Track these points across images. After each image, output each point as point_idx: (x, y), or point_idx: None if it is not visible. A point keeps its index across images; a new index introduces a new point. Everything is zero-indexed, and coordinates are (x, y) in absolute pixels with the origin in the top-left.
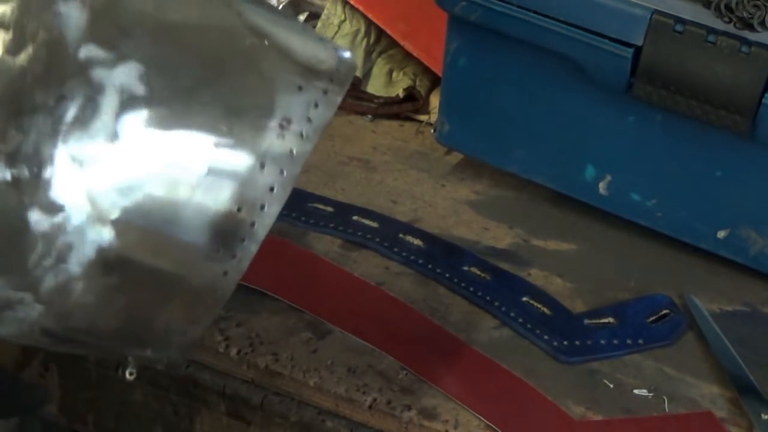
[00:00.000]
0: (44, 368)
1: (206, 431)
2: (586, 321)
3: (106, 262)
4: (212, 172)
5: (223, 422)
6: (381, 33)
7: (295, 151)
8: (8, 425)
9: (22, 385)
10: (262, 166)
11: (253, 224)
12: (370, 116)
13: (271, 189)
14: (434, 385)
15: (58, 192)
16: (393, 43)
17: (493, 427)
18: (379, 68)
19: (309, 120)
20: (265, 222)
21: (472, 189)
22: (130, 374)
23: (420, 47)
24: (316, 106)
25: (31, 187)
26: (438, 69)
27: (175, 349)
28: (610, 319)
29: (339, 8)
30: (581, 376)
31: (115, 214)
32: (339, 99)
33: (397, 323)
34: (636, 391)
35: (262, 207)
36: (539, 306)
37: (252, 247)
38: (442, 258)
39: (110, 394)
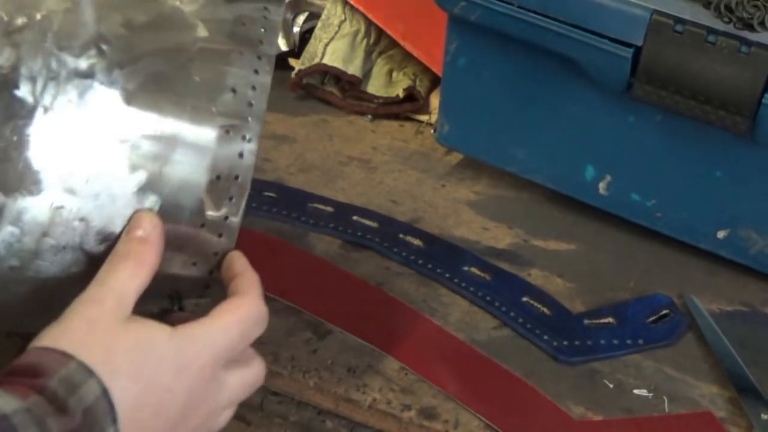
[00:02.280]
0: None
1: None
2: (586, 321)
3: None
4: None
5: None
6: (381, 33)
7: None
8: None
9: None
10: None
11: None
12: (370, 116)
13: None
14: (434, 385)
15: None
16: (393, 43)
17: (493, 426)
18: (379, 68)
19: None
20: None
21: (472, 189)
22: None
23: (420, 47)
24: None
25: None
26: (438, 69)
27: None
28: (610, 319)
29: (339, 8)
30: (581, 376)
31: None
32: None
33: (397, 323)
34: (636, 391)
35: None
36: (539, 306)
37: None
38: (442, 258)
39: None
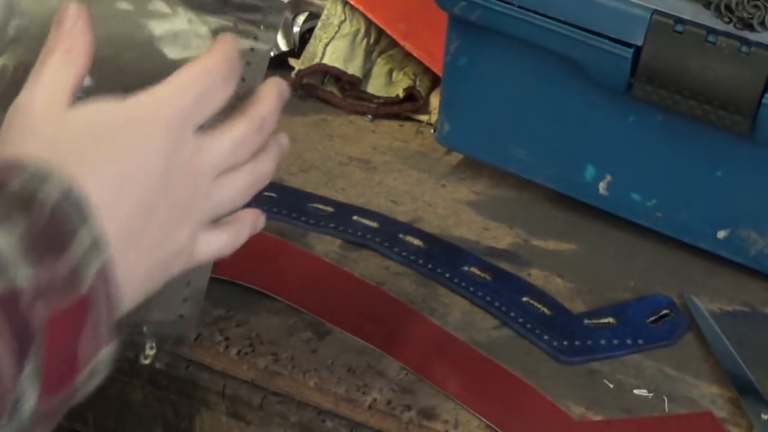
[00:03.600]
0: None
1: (206, 431)
2: (586, 321)
3: None
4: None
5: (223, 422)
6: (381, 33)
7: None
8: None
9: None
10: None
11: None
12: (370, 116)
13: None
14: (434, 385)
15: None
16: (393, 43)
17: (493, 427)
18: (379, 68)
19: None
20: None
21: (472, 189)
22: (145, 357)
23: (420, 47)
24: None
25: None
26: (438, 69)
27: (185, 304)
28: (610, 319)
29: (339, 8)
30: (581, 376)
31: None
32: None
33: (397, 323)
34: (636, 391)
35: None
36: (539, 306)
37: None
38: (442, 258)
39: (110, 394)
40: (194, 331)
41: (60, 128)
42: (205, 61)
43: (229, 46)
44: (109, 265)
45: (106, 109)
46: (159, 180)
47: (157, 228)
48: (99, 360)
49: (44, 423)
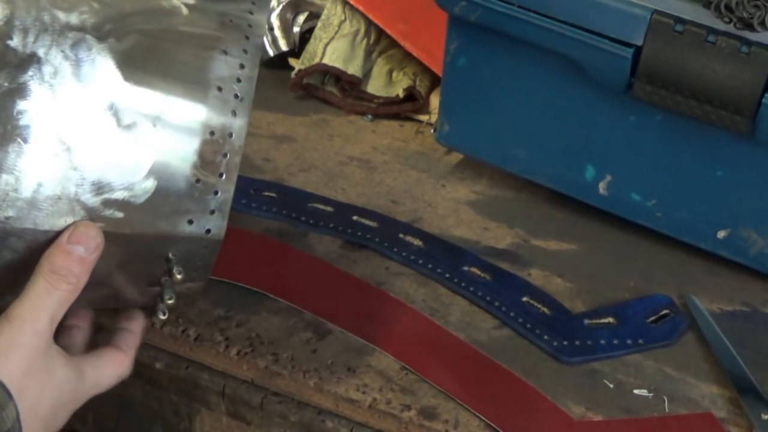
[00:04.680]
0: None
1: (206, 431)
2: (586, 321)
3: None
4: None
5: (223, 422)
6: (381, 33)
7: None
8: None
9: None
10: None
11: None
12: (370, 116)
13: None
14: (434, 385)
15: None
16: (393, 43)
17: (493, 426)
18: (379, 68)
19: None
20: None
21: (472, 189)
22: (163, 314)
23: (420, 47)
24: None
25: None
26: (438, 69)
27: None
28: (610, 319)
29: (339, 8)
30: (581, 376)
31: None
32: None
33: (397, 323)
34: (636, 391)
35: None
36: (539, 306)
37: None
38: (442, 258)
39: (110, 393)
40: (215, 256)
41: (31, 365)
42: (127, 367)
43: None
44: None
45: (62, 373)
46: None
47: (55, 424)
48: None
49: None
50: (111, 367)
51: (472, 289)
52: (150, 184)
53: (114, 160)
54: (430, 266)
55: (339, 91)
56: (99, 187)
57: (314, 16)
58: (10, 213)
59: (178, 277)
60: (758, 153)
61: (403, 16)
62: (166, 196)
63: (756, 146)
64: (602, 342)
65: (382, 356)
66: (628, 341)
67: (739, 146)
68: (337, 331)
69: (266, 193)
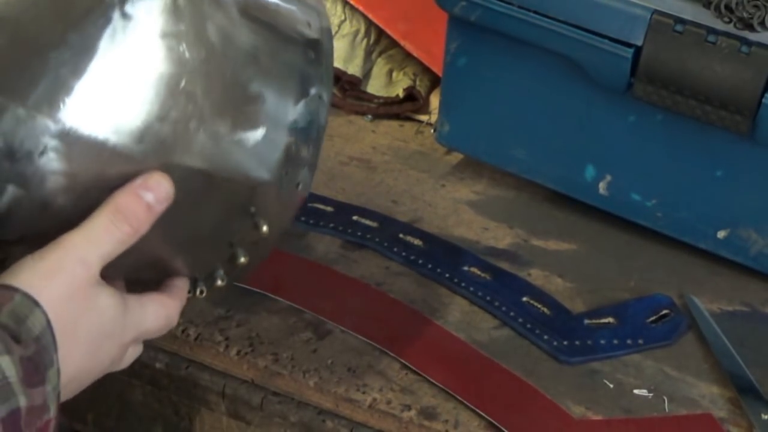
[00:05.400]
0: None
1: (206, 431)
2: (586, 321)
3: None
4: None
5: (223, 422)
6: (381, 33)
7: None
8: None
9: None
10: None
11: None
12: (370, 116)
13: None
14: (434, 384)
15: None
16: (393, 43)
17: (494, 426)
18: (379, 68)
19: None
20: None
21: (472, 189)
22: (201, 292)
23: (420, 47)
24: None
25: None
26: (438, 69)
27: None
28: (610, 319)
29: (339, 8)
30: (581, 376)
31: None
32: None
33: (397, 323)
34: (636, 391)
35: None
36: (539, 306)
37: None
38: (442, 258)
39: (110, 393)
40: (296, 211)
41: (68, 287)
42: (174, 309)
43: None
44: (60, 393)
45: (106, 303)
46: (93, 366)
47: (96, 361)
48: None
49: None
50: (157, 307)
51: (472, 289)
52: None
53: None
54: (430, 266)
55: (339, 91)
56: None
57: None
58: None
59: (264, 230)
60: (758, 153)
61: (403, 16)
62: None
63: (756, 146)
64: (602, 342)
65: (382, 356)
66: (628, 341)
67: (739, 146)
68: (337, 331)
69: None
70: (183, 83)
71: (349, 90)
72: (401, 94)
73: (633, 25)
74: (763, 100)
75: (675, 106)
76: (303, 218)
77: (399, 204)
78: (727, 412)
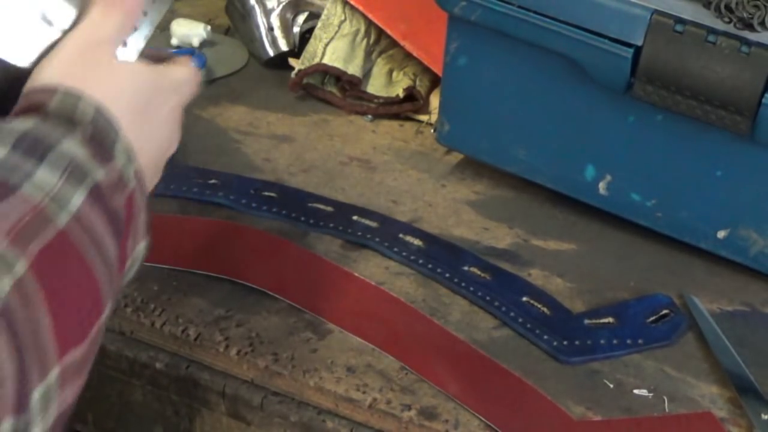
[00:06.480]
0: None
1: (206, 431)
2: (586, 321)
3: None
4: None
5: (223, 422)
6: (381, 33)
7: None
8: None
9: None
10: None
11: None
12: (370, 116)
13: None
14: (434, 385)
15: None
16: (393, 43)
17: (493, 426)
18: (379, 68)
19: None
20: None
21: (472, 189)
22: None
23: (420, 47)
24: None
25: None
26: (438, 69)
27: None
28: (610, 319)
29: (339, 8)
30: (581, 376)
31: None
32: None
33: (397, 323)
34: (636, 391)
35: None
36: (539, 306)
37: None
38: (442, 258)
39: (110, 394)
40: None
41: (96, 68)
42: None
43: None
44: (140, 170)
45: (140, 70)
46: (150, 100)
47: (155, 132)
48: (137, 253)
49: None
50: (179, 65)
51: (472, 289)
52: None
53: None
54: (430, 266)
55: (339, 91)
56: None
57: (314, 16)
58: None
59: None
60: (758, 153)
61: (403, 16)
62: None
63: (756, 146)
64: (602, 342)
65: (382, 356)
66: (628, 341)
67: (739, 146)
68: (337, 331)
69: (266, 193)
70: None
71: (349, 90)
72: (401, 94)
73: (633, 25)
74: (763, 100)
75: (675, 106)
76: (303, 218)
77: (399, 204)
78: (727, 412)
